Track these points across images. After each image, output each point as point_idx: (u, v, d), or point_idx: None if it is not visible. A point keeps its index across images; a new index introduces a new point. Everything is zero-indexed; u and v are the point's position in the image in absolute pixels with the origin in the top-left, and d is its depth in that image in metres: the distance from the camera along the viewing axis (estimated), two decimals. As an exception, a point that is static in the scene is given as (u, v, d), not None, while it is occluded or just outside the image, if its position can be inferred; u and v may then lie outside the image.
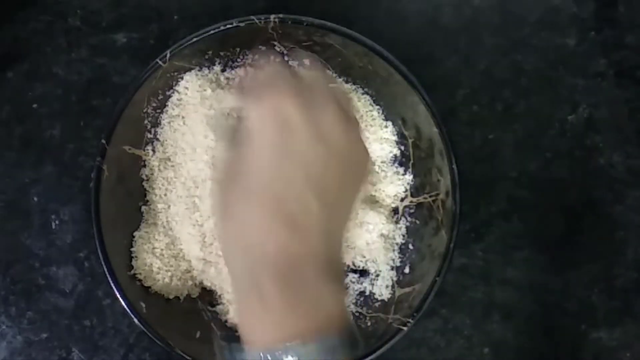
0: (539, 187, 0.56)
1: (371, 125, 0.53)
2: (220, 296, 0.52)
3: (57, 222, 0.55)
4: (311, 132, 0.35)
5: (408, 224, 0.52)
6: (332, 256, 0.35)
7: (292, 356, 0.32)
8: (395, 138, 0.53)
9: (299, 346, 0.32)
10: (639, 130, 0.56)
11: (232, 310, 0.51)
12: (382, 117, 0.53)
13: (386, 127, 0.53)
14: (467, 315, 0.55)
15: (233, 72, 0.53)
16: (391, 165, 0.53)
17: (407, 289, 0.49)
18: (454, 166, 0.47)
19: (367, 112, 0.53)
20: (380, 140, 0.53)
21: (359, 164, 0.38)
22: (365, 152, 0.38)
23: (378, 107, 0.53)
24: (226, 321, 0.51)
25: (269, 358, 0.32)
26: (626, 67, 0.56)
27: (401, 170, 0.53)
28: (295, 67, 0.40)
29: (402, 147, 0.53)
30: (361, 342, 0.34)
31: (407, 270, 0.51)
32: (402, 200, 0.53)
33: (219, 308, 0.52)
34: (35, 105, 0.56)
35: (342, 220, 0.37)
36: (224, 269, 0.50)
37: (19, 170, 0.55)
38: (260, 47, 0.52)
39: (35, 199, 0.55)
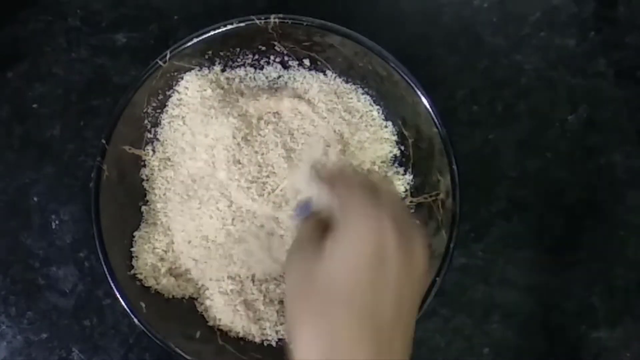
0: (539, 187, 0.56)
1: (371, 125, 0.53)
2: (212, 295, 0.51)
3: (57, 222, 0.55)
4: (404, 260, 0.36)
5: None
6: None
7: None
8: (395, 138, 0.53)
9: None
10: (639, 130, 0.56)
11: None
12: (382, 117, 0.53)
13: (386, 127, 0.53)
14: (467, 315, 0.55)
15: (234, 72, 0.53)
16: (391, 165, 0.53)
17: None
18: (454, 166, 0.47)
19: (367, 112, 0.53)
20: (380, 140, 0.53)
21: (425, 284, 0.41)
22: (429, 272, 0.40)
23: (378, 107, 0.53)
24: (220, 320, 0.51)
25: None
26: (626, 67, 0.56)
27: (401, 170, 0.53)
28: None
29: (402, 147, 0.53)
30: None
31: None
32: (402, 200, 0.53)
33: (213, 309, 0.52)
34: (35, 105, 0.56)
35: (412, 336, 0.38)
36: (220, 269, 0.50)
37: (19, 170, 0.55)
38: (260, 47, 0.52)
39: (35, 199, 0.55)
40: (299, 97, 0.52)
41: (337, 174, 0.40)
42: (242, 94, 0.52)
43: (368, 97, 0.53)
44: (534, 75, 0.56)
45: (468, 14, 0.57)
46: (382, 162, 0.53)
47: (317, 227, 0.38)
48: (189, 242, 0.50)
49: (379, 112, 0.53)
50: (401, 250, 0.35)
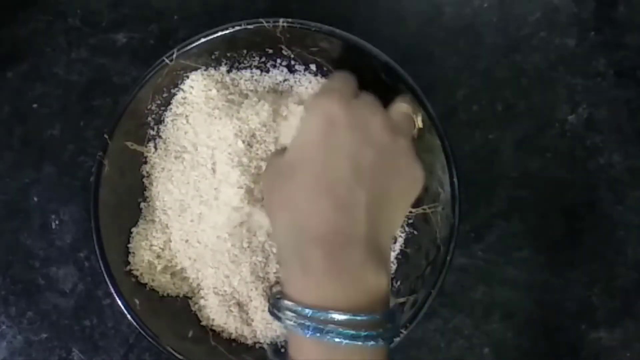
0: (539, 187, 0.56)
1: None
2: (207, 294, 0.51)
3: (57, 222, 0.55)
4: (356, 133, 0.38)
5: (406, 234, 0.52)
6: (377, 244, 0.37)
7: (335, 318, 0.34)
8: None
9: (339, 314, 0.34)
10: (639, 130, 0.56)
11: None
12: None
13: None
14: (467, 315, 0.55)
15: (240, 73, 0.53)
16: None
17: (401, 299, 0.49)
18: (455, 179, 0.47)
19: None
20: None
21: (409, 175, 0.41)
22: (416, 166, 0.41)
23: None
24: (214, 320, 0.51)
25: (313, 315, 0.35)
26: (626, 67, 0.56)
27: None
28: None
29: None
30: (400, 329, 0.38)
31: (403, 280, 0.51)
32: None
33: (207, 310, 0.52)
34: (35, 105, 0.56)
35: (391, 218, 0.40)
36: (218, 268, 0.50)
37: (19, 170, 0.55)
38: (267, 49, 0.52)
39: (35, 199, 0.55)
40: (304, 102, 0.52)
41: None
42: (247, 97, 0.52)
43: None
44: (534, 75, 0.56)
45: (468, 14, 0.57)
46: None
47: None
48: (186, 241, 0.50)
49: None
50: (351, 120, 0.39)
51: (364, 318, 0.35)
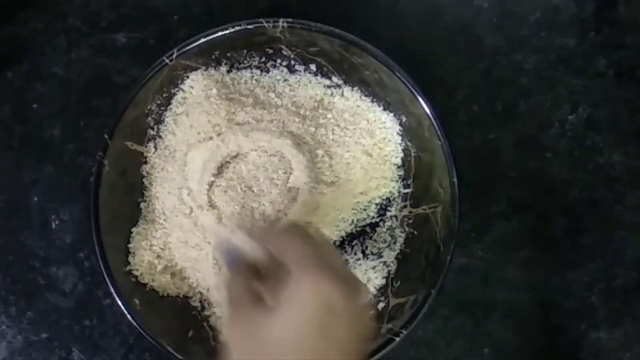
0: (539, 187, 0.56)
1: (377, 129, 0.53)
2: (206, 294, 0.51)
3: (57, 222, 0.55)
4: (351, 315, 0.35)
5: (406, 234, 0.52)
6: None
7: None
8: (398, 145, 0.53)
9: None
10: (639, 130, 0.56)
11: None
12: (388, 125, 0.53)
13: (392, 135, 0.52)
14: (467, 315, 0.55)
15: (240, 73, 0.53)
16: (393, 169, 0.53)
17: (401, 299, 0.49)
18: (455, 179, 0.47)
19: (373, 119, 0.53)
20: (385, 146, 0.53)
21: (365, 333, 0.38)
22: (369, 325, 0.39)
23: (385, 115, 0.53)
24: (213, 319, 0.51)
25: None
26: (626, 67, 0.56)
27: (402, 178, 0.53)
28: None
29: (405, 157, 0.53)
30: None
31: (403, 280, 0.51)
32: (401, 210, 0.52)
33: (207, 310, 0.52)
34: (35, 105, 0.56)
35: None
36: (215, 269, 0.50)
37: (19, 170, 0.55)
38: (267, 50, 0.52)
39: (35, 199, 0.55)
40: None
41: (269, 229, 0.42)
42: (244, 105, 0.52)
43: (375, 105, 0.53)
44: (534, 75, 0.56)
45: (468, 14, 0.57)
46: (383, 161, 0.53)
47: (249, 285, 0.39)
48: (186, 241, 0.50)
49: (384, 122, 0.53)
50: (348, 306, 0.35)
51: None
